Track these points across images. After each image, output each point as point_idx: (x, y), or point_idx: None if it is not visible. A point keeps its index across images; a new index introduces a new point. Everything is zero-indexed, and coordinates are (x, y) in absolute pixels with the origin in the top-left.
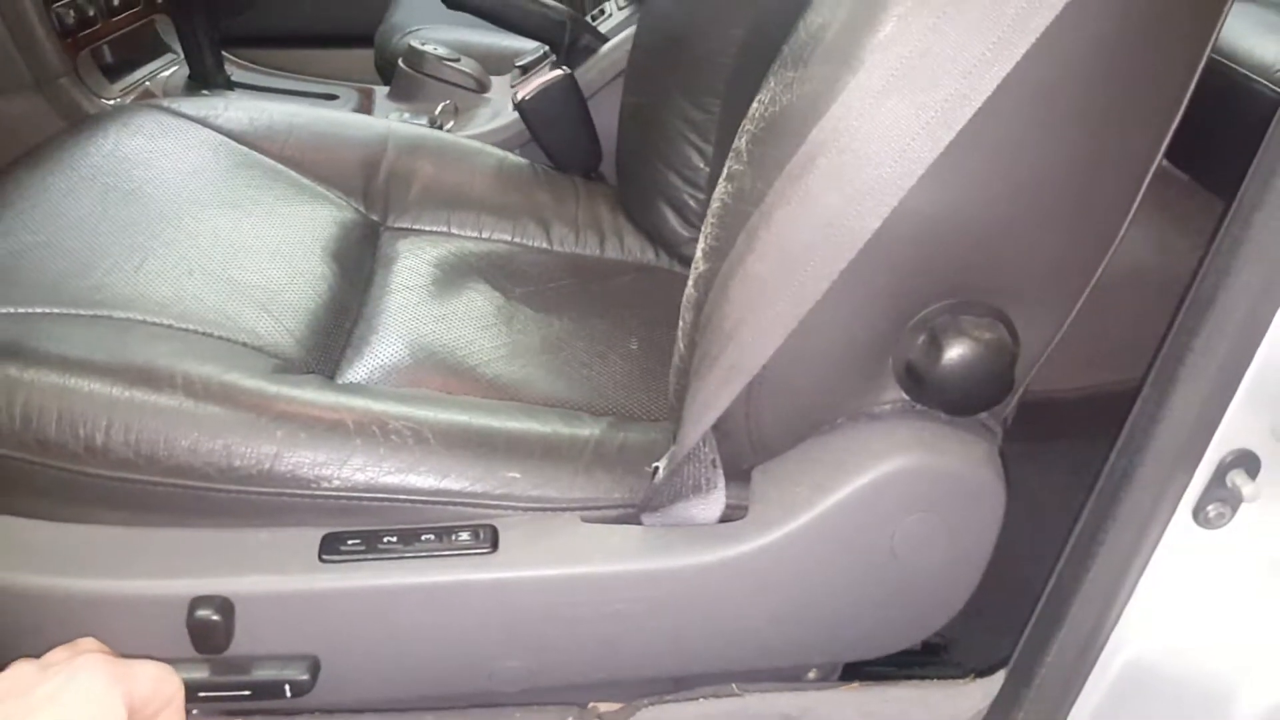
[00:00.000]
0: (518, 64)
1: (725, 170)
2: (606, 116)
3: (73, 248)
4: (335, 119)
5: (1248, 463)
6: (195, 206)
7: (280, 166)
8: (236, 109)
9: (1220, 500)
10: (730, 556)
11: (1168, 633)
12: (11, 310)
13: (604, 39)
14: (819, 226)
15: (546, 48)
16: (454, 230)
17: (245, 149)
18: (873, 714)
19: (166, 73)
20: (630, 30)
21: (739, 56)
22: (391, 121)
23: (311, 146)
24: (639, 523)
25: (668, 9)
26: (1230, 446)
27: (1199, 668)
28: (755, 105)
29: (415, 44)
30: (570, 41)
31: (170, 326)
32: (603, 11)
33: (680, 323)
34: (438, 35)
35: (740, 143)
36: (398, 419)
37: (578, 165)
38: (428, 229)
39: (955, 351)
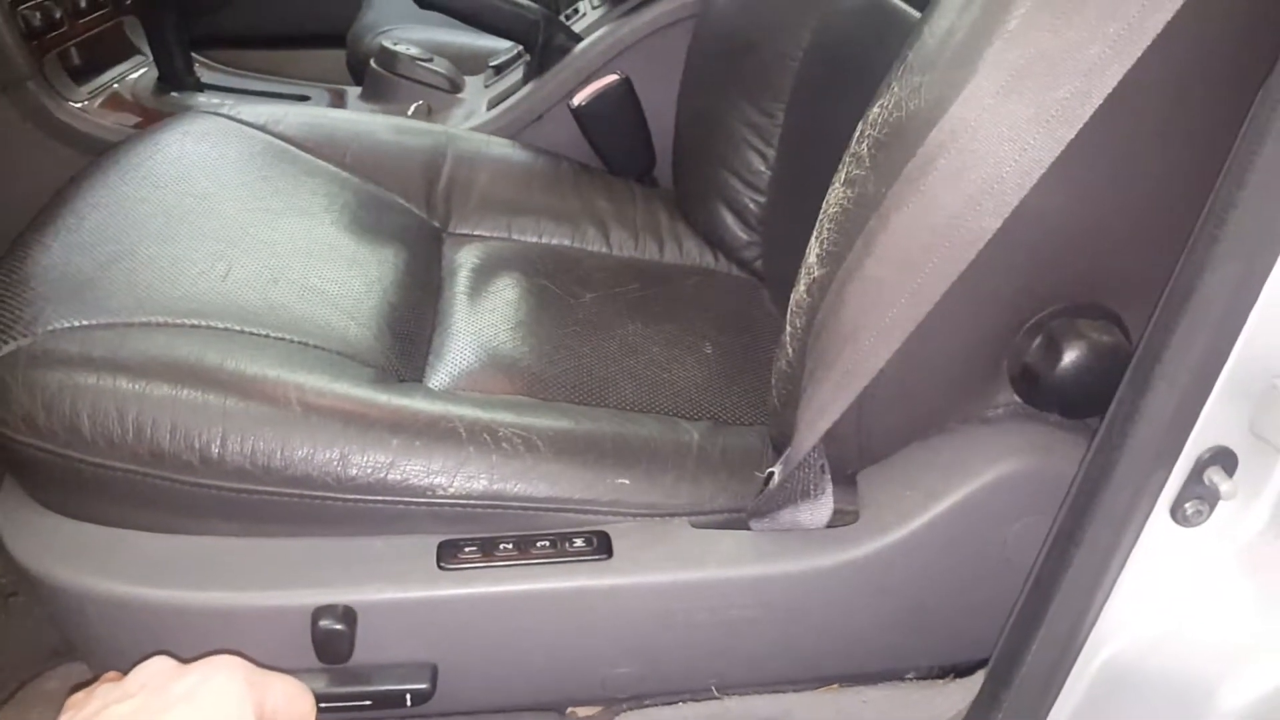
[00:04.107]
0: (491, 64)
1: (843, 175)
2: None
3: (155, 257)
4: (393, 125)
5: (1225, 460)
6: (269, 215)
7: (344, 174)
8: (297, 116)
9: (1198, 498)
10: (844, 561)
11: (1147, 631)
12: (110, 321)
13: (578, 39)
14: (937, 228)
15: (520, 48)
16: (515, 235)
17: (309, 156)
18: (851, 716)
19: (135, 75)
20: (604, 30)
21: (804, 60)
22: (449, 127)
23: (373, 154)
24: (746, 527)
25: (729, 13)
26: (1208, 444)
27: (1178, 666)
28: (877, 110)
29: (387, 44)
30: (544, 41)
31: (268, 336)
32: (576, 11)
33: (787, 328)
34: (410, 35)
35: (860, 147)
36: (507, 426)
37: (633, 169)
38: (489, 235)
39: (1074, 355)
